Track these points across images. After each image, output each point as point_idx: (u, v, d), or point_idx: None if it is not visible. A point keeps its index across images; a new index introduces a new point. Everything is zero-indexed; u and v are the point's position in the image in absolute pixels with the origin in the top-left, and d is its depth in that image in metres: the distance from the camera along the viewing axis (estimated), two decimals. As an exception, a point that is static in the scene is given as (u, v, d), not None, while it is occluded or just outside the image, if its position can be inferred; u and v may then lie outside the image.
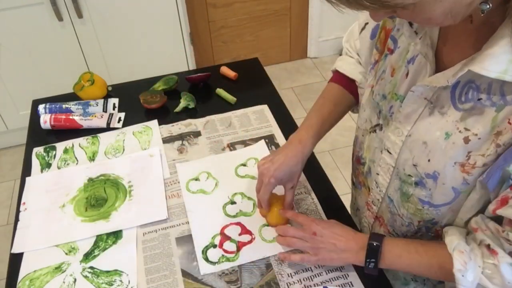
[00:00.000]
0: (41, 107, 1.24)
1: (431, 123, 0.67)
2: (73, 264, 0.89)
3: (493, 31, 0.56)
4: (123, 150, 1.14)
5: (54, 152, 1.15)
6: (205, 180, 1.04)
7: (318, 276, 0.84)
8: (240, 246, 0.90)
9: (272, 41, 2.95)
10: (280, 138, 1.15)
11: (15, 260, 0.91)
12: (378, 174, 0.81)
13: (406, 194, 0.75)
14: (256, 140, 1.15)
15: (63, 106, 1.24)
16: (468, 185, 0.65)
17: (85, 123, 1.20)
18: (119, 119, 1.23)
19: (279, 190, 0.93)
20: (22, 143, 1.35)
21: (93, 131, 1.20)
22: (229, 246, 0.90)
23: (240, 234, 0.92)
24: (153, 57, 2.37)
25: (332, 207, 0.98)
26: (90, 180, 1.06)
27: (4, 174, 2.41)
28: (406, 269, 0.77)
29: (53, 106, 1.24)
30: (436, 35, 0.67)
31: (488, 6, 0.51)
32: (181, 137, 1.17)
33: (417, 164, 0.70)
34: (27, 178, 1.08)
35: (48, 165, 1.11)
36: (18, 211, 1.00)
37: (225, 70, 1.37)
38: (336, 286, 0.82)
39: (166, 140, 1.16)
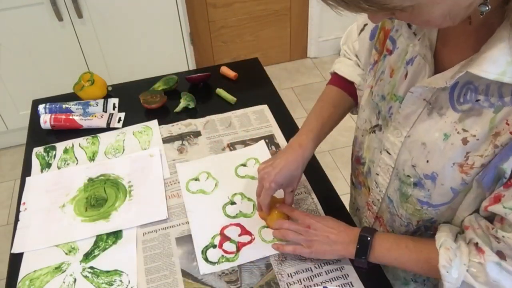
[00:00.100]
0: (41, 107, 1.24)
1: (430, 124, 0.67)
2: (73, 264, 0.89)
3: (492, 33, 0.56)
4: (123, 150, 1.14)
5: (54, 152, 1.15)
6: (205, 180, 1.04)
7: (318, 276, 0.84)
8: (239, 246, 0.90)
9: (272, 41, 2.96)
10: (280, 138, 1.15)
11: (15, 260, 0.91)
12: (377, 174, 0.81)
13: (405, 194, 0.76)
14: (256, 140, 1.15)
15: (63, 106, 1.24)
16: (466, 185, 0.65)
17: (85, 123, 1.20)
18: (119, 119, 1.23)
19: (279, 192, 0.94)
20: (22, 143, 1.36)
21: (93, 131, 1.20)
22: (229, 246, 0.90)
23: (240, 235, 0.92)
24: (153, 57, 2.38)
25: (332, 207, 0.98)
26: (90, 180, 1.06)
27: (4, 174, 2.41)
28: (394, 263, 0.78)
29: (53, 106, 1.24)
30: (435, 37, 0.67)
31: (487, 8, 0.52)
32: (181, 137, 1.17)
33: (416, 165, 0.70)
34: (27, 178, 1.08)
35: (48, 165, 1.11)
36: (18, 211, 1.00)
37: (225, 70, 1.37)
38: (336, 286, 0.83)
39: (166, 140, 1.16)
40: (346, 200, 1.04)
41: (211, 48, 2.87)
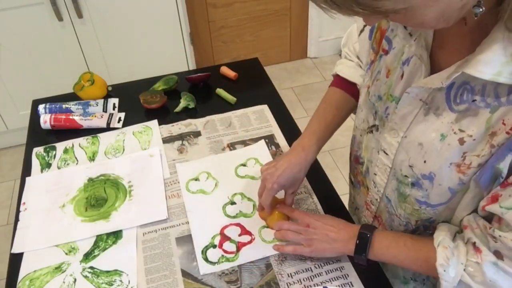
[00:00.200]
0: (41, 107, 1.24)
1: (426, 124, 0.68)
2: (73, 264, 0.89)
3: (487, 33, 0.56)
4: (123, 150, 1.14)
5: (54, 152, 1.15)
6: (205, 180, 1.05)
7: (318, 276, 0.85)
8: (240, 246, 0.90)
9: (272, 41, 2.96)
10: (280, 138, 1.15)
11: (15, 260, 0.91)
12: (375, 174, 0.82)
13: (403, 194, 0.76)
14: (256, 140, 1.15)
15: (63, 106, 1.24)
16: (464, 185, 0.66)
17: (85, 123, 1.20)
18: (119, 119, 1.23)
19: (279, 193, 0.94)
20: (22, 143, 1.36)
21: (93, 131, 1.20)
22: (229, 246, 0.90)
23: (240, 235, 0.92)
24: (153, 57, 2.38)
25: (332, 207, 0.98)
26: (90, 180, 1.06)
27: (4, 174, 2.41)
28: (393, 261, 0.79)
29: (53, 106, 1.24)
30: (431, 37, 0.67)
31: (481, 10, 0.52)
32: (181, 137, 1.17)
33: (413, 165, 0.71)
34: (27, 178, 1.08)
35: (48, 165, 1.11)
36: (18, 211, 1.00)
37: (225, 70, 1.37)
38: (336, 286, 0.83)
39: (166, 140, 1.16)
40: (346, 200, 1.04)
41: (211, 48, 2.87)
